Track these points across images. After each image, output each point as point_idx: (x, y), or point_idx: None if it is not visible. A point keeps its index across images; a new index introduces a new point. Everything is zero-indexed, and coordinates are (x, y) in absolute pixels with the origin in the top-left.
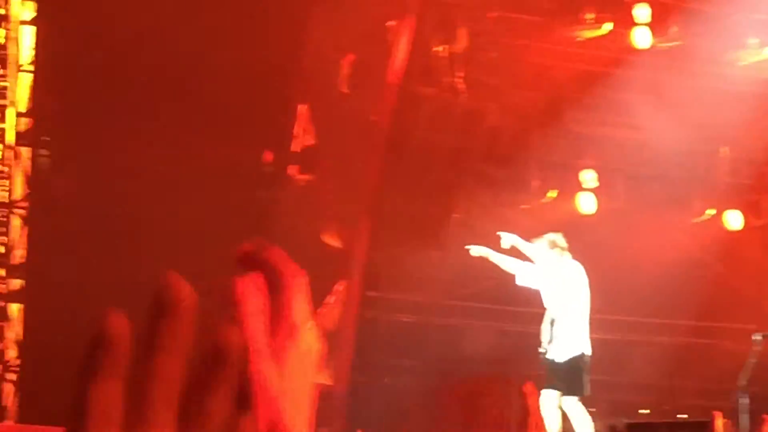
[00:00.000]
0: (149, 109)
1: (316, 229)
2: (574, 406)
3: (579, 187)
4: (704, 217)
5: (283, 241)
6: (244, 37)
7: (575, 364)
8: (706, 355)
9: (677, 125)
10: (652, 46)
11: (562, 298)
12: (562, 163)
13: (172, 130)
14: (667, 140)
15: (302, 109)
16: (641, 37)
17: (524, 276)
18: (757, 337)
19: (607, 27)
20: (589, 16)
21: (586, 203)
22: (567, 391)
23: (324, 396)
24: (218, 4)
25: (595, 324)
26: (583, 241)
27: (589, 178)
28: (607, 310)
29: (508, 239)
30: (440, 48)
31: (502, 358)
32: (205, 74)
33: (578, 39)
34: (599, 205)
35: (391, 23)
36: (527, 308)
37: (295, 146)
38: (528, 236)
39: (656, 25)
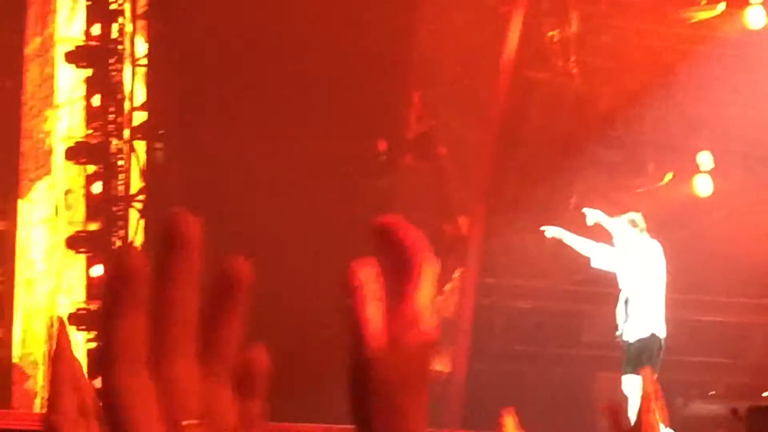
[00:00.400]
0: (263, 100)
1: (432, 216)
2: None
3: (695, 170)
4: None
5: None
6: (357, 26)
7: (647, 344)
8: None
9: None
10: (766, 26)
11: (637, 278)
12: (677, 146)
13: (285, 121)
14: None
15: (416, 96)
16: (755, 17)
17: (600, 258)
18: None
19: (720, 7)
20: None
21: (703, 186)
22: (636, 371)
23: (442, 383)
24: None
25: (713, 307)
26: (699, 223)
27: (705, 160)
28: (725, 292)
29: (592, 215)
30: (553, 32)
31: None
32: (319, 64)
33: (691, 20)
34: (715, 187)
35: (503, 9)
36: None
37: (410, 134)
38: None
39: None
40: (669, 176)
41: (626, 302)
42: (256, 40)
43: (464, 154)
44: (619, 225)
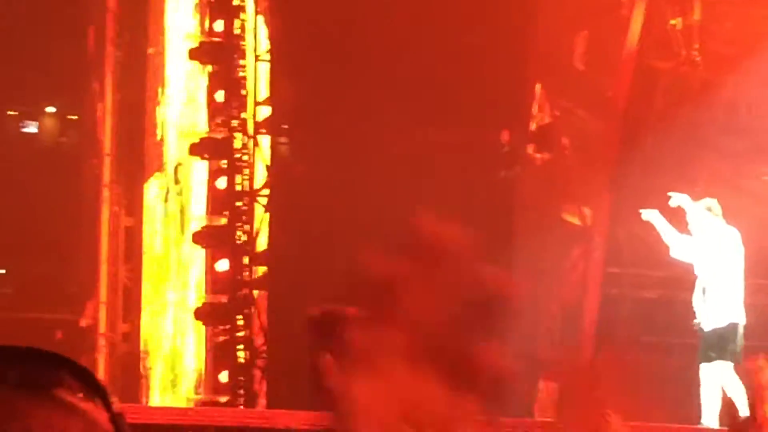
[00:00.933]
0: (385, 93)
1: (556, 207)
2: (725, 373)
3: None
4: None
5: (524, 220)
6: (479, 18)
7: (726, 333)
8: None
9: None
10: None
11: (714, 266)
12: None
13: (408, 114)
14: None
15: (539, 87)
16: None
17: (680, 248)
18: None
19: None
20: None
21: None
22: (716, 358)
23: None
24: None
25: None
26: None
27: None
28: None
29: (676, 199)
30: (675, 21)
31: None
32: (441, 57)
33: None
34: None
35: None
36: None
37: (533, 125)
38: None
39: None
40: None
41: (704, 291)
42: (379, 33)
43: (587, 145)
44: (697, 211)
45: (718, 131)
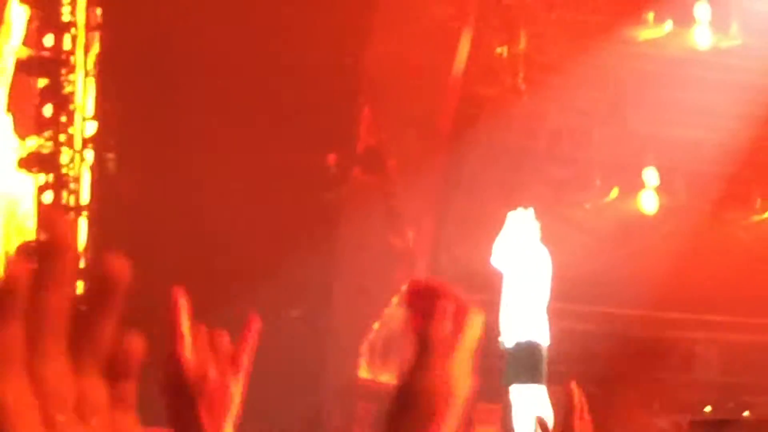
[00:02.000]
0: (214, 112)
1: (381, 229)
2: (533, 395)
3: (641, 186)
4: (766, 215)
5: (349, 242)
6: (307, 40)
7: (531, 353)
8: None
9: (735, 123)
10: (713, 46)
11: (523, 284)
12: (623, 162)
13: (236, 133)
14: (726, 138)
15: (366, 110)
16: (701, 37)
17: (498, 257)
18: None
19: (668, 27)
20: (649, 15)
21: (648, 202)
22: (525, 380)
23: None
24: (283, 7)
25: (657, 322)
26: (643, 239)
27: (650, 176)
28: (669, 307)
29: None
30: (501, 49)
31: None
32: (269, 77)
33: (639, 39)
34: (660, 203)
35: (452, 24)
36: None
37: (360, 147)
38: (591, 235)
39: (716, 24)
40: (615, 192)
41: (509, 307)
42: (208, 52)
43: (413, 168)
44: (517, 229)
45: (541, 159)
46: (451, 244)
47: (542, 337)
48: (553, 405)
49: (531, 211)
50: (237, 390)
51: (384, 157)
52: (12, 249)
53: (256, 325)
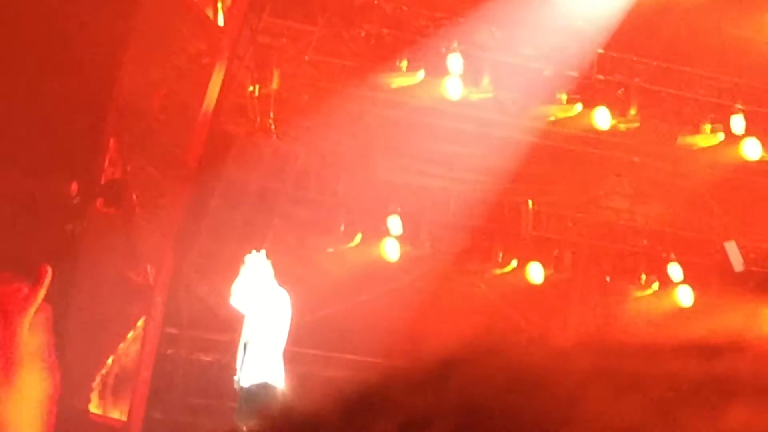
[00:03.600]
0: None
1: (120, 263)
2: None
3: (385, 233)
4: (507, 269)
5: (87, 274)
6: (56, 65)
7: (263, 392)
8: None
9: (483, 176)
10: (463, 97)
11: (260, 324)
12: (368, 208)
13: None
14: (473, 190)
15: (112, 141)
16: (453, 88)
17: (237, 297)
18: None
19: (420, 76)
20: (403, 63)
21: (391, 250)
22: (251, 418)
23: (118, 431)
24: (31, 30)
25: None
26: (385, 286)
27: (394, 224)
28: (407, 357)
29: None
30: (253, 87)
31: None
32: (13, 99)
33: (391, 86)
34: (403, 251)
35: (205, 60)
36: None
37: (103, 179)
38: (333, 281)
39: (469, 76)
40: (358, 238)
41: (245, 347)
42: None
43: (157, 203)
44: (257, 270)
45: (286, 200)
46: (192, 282)
47: (277, 380)
48: None
49: (267, 253)
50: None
51: (127, 190)
52: None
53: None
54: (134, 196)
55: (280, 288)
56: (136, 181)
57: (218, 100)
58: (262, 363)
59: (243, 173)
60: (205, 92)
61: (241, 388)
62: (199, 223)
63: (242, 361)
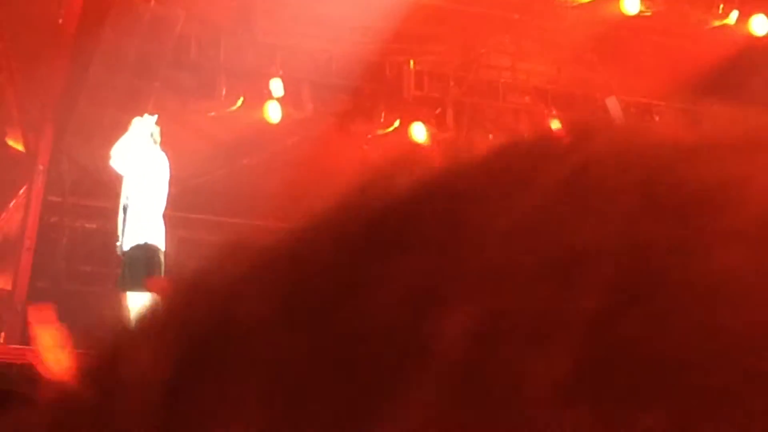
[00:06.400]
0: None
1: (1, 131)
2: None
3: (267, 96)
4: (390, 129)
5: None
6: None
7: (144, 254)
8: None
9: (365, 37)
10: None
11: (140, 187)
12: (250, 71)
13: None
14: (355, 51)
15: None
16: None
17: (119, 158)
18: None
19: None
20: None
21: (273, 112)
22: (135, 285)
23: (3, 300)
24: None
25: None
26: (270, 149)
27: (276, 87)
28: (289, 218)
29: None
30: None
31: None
32: None
33: None
34: (285, 114)
35: None
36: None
37: None
38: (216, 144)
39: None
40: (240, 101)
41: (125, 210)
42: None
43: (36, 71)
44: (138, 134)
45: (167, 65)
46: (73, 149)
47: (159, 242)
48: None
49: (154, 117)
50: None
51: (5, 58)
52: None
53: None
54: (12, 64)
55: (159, 150)
56: (14, 49)
57: None
58: (143, 225)
59: (122, 38)
60: None
61: (123, 253)
62: (79, 90)
63: (122, 225)
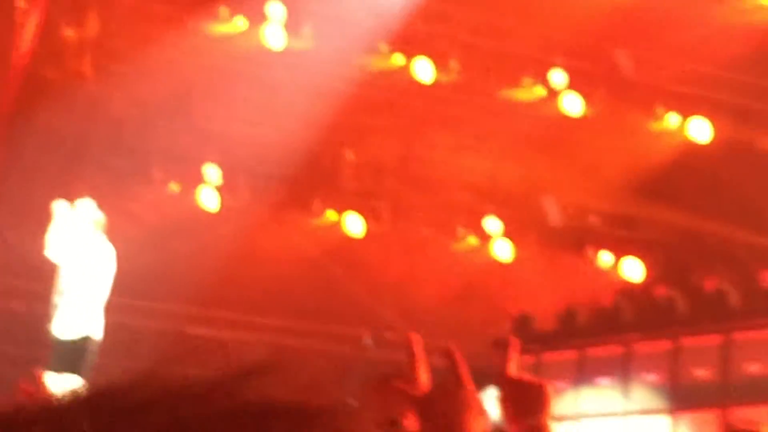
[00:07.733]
0: None
1: None
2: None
3: (201, 181)
4: (324, 220)
5: None
6: None
7: (79, 346)
8: (308, 356)
9: (303, 126)
10: (285, 46)
11: (81, 276)
12: (185, 157)
13: None
14: (293, 140)
15: None
16: (273, 37)
17: (55, 248)
18: (368, 341)
19: (240, 23)
20: (222, 10)
21: (209, 199)
22: (66, 371)
23: None
24: None
25: (209, 320)
26: (204, 237)
27: (212, 173)
28: (221, 306)
29: (60, 207)
30: (69, 32)
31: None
32: None
33: (210, 33)
34: (222, 201)
35: (20, 2)
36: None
37: None
38: (148, 228)
39: (289, 25)
40: (175, 187)
41: (62, 298)
42: None
43: None
44: (72, 219)
45: (102, 147)
46: (3, 228)
47: (95, 330)
48: None
49: (90, 201)
50: None
51: None
52: None
53: None
54: None
55: (104, 240)
56: None
57: (33, 43)
58: (81, 315)
59: (57, 119)
60: (20, 35)
61: (58, 340)
62: (12, 170)
63: (59, 312)
